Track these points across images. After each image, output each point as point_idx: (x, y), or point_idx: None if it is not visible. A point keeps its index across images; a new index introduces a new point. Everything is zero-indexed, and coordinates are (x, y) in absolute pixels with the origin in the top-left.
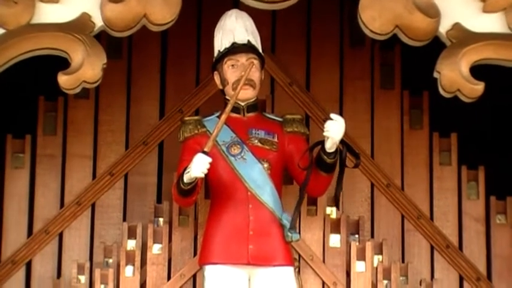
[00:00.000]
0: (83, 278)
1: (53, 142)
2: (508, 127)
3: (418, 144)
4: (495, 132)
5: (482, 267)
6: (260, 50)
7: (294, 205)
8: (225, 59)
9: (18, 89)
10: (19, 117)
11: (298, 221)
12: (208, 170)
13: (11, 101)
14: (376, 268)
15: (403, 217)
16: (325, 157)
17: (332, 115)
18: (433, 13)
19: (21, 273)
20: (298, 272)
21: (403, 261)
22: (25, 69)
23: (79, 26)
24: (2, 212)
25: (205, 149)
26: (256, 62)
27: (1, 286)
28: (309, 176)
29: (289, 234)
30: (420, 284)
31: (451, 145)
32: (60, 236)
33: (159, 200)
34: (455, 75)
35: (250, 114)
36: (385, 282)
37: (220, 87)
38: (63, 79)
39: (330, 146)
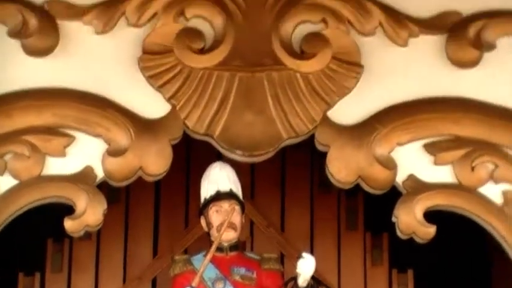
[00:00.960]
0: None
1: (59, 279)
2: (458, 264)
3: (378, 279)
4: (448, 268)
5: None
6: (241, 197)
7: None
8: (210, 205)
9: (29, 231)
10: (29, 256)
11: None
12: None
13: (23, 242)
14: None
15: None
16: None
17: (304, 254)
18: (391, 166)
19: None
20: None
21: None
22: (35, 214)
23: (83, 178)
24: None
25: (193, 285)
26: (237, 207)
27: None
28: None
29: None
30: None
31: (408, 280)
32: None
33: None
34: (410, 220)
35: (232, 253)
36: None
37: (206, 229)
38: (68, 224)
39: (302, 281)
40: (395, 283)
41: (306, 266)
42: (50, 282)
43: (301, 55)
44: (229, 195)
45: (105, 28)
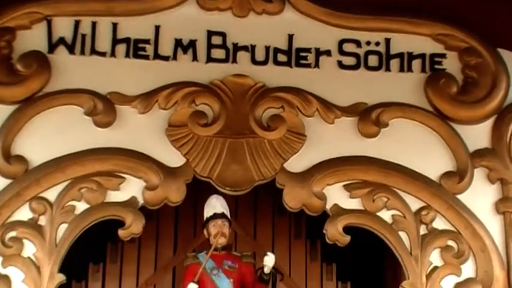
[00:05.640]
0: None
1: (115, 268)
2: (363, 261)
3: (314, 270)
4: (357, 262)
5: None
6: (229, 216)
7: None
8: (210, 222)
9: (95, 237)
10: (96, 253)
11: None
12: (200, 283)
13: (92, 243)
14: None
15: None
16: (264, 276)
17: (268, 253)
18: (323, 198)
19: None
20: None
21: None
22: (100, 226)
23: (130, 203)
24: None
25: (195, 280)
26: (226, 223)
27: None
28: (255, 287)
29: None
30: None
31: (333, 271)
32: None
33: None
34: (334, 232)
35: (223, 252)
36: None
37: (207, 237)
38: (121, 232)
39: (267, 270)
40: (325, 274)
41: (269, 260)
42: (109, 269)
43: (268, 128)
44: (222, 216)
45: (145, 110)
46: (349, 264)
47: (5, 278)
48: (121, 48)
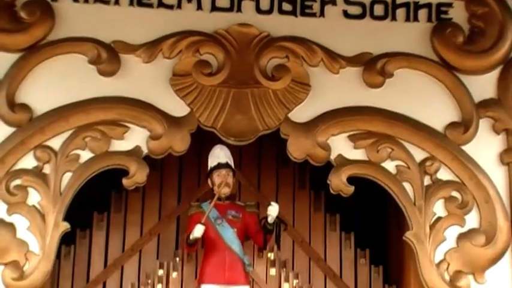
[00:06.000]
0: None
1: (119, 217)
2: (367, 210)
3: (318, 220)
4: (360, 212)
5: None
6: (233, 166)
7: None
8: (214, 172)
9: (100, 186)
10: (101, 201)
11: (252, 260)
12: (204, 232)
13: (97, 193)
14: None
15: (309, 259)
16: (267, 226)
17: (272, 202)
18: (327, 148)
19: None
20: None
21: None
22: (105, 175)
23: (134, 153)
24: None
25: (202, 222)
26: (230, 173)
27: None
28: (266, 236)
29: (247, 267)
30: None
31: (336, 221)
32: (122, 270)
33: (176, 248)
34: (338, 182)
35: (227, 202)
36: None
37: (211, 186)
38: (125, 181)
39: (271, 219)
40: (328, 224)
41: (273, 210)
42: (113, 218)
43: (272, 78)
44: (226, 165)
45: (149, 59)
46: (353, 215)
47: (10, 226)
48: None
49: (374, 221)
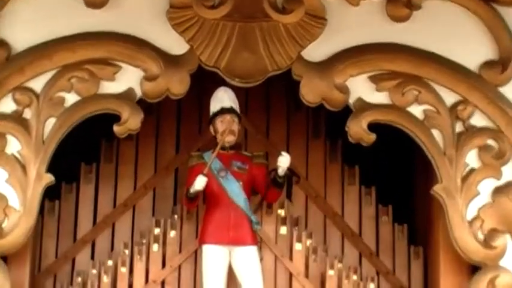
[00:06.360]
0: None
1: (109, 168)
2: (391, 162)
3: (334, 174)
4: (381, 164)
5: None
6: (238, 111)
7: (257, 205)
8: (217, 117)
9: (89, 133)
10: (89, 151)
11: (260, 217)
12: (205, 185)
13: (85, 141)
14: (309, 248)
15: (324, 216)
16: (278, 179)
17: (283, 152)
18: (345, 91)
19: None
20: (260, 249)
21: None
22: (93, 121)
23: (127, 96)
24: None
25: (204, 172)
26: (236, 119)
27: None
28: (268, 190)
29: (255, 226)
30: None
31: (355, 173)
32: (113, 226)
33: (175, 203)
34: (358, 130)
35: (232, 151)
36: (313, 256)
37: (214, 134)
38: (116, 128)
39: (281, 171)
40: (346, 177)
41: (284, 161)
42: (104, 170)
43: (283, 11)
44: (230, 110)
45: None
46: (374, 167)
47: None
48: None
49: (398, 174)
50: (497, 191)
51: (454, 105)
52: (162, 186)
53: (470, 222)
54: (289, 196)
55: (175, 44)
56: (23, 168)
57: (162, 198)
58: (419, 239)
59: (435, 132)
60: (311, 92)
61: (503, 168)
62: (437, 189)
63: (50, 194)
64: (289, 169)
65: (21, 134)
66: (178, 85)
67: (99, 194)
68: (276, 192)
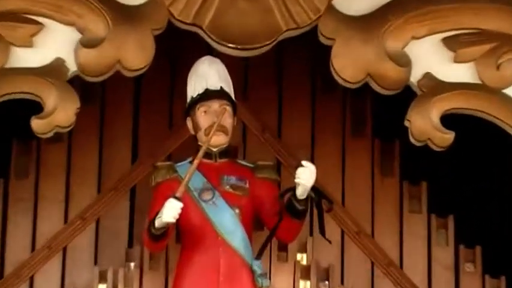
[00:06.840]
0: None
1: (24, 185)
2: (477, 176)
3: (388, 191)
4: (464, 181)
5: None
6: (233, 97)
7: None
8: (198, 105)
9: None
10: None
11: (268, 265)
12: (180, 215)
13: None
14: None
15: (372, 264)
16: (296, 204)
17: (303, 162)
18: (405, 62)
19: None
20: None
21: None
22: None
23: (53, 71)
24: None
25: (177, 194)
26: (228, 108)
27: None
28: (279, 222)
29: (259, 280)
30: None
31: (421, 193)
32: (31, 280)
33: (130, 245)
34: (425, 124)
35: (222, 160)
36: None
37: (193, 132)
38: (36, 123)
39: (301, 192)
40: (407, 197)
41: (305, 176)
42: (15, 188)
43: None
44: (220, 94)
45: None
46: (450, 181)
47: None
48: None
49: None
50: None
51: None
52: (109, 217)
53: None
54: (322, 232)
55: None
56: None
57: (109, 236)
58: None
59: None
60: (350, 64)
61: None
62: None
63: None
64: (314, 189)
65: None
66: (135, 54)
67: (7, 229)
68: (293, 224)
